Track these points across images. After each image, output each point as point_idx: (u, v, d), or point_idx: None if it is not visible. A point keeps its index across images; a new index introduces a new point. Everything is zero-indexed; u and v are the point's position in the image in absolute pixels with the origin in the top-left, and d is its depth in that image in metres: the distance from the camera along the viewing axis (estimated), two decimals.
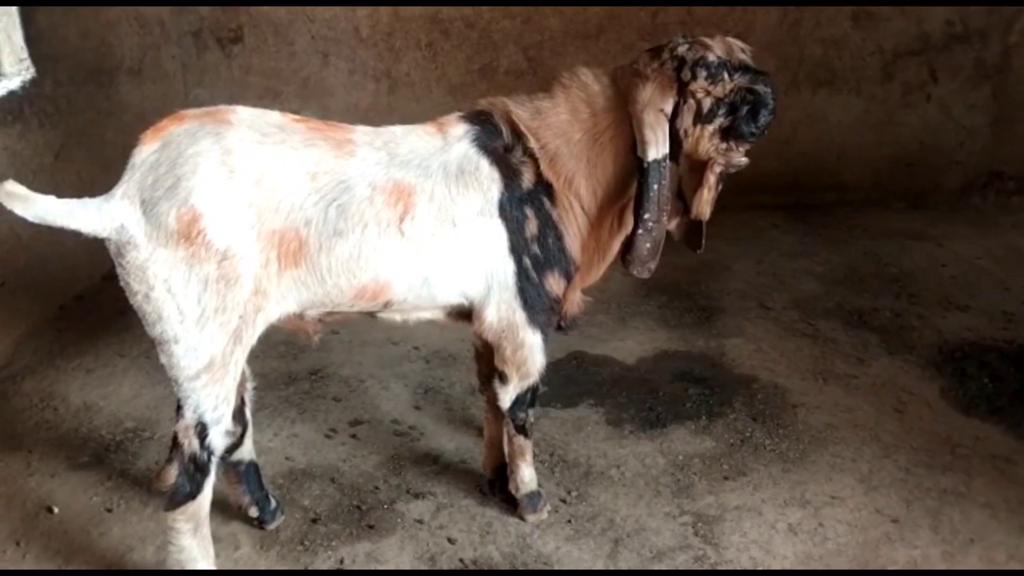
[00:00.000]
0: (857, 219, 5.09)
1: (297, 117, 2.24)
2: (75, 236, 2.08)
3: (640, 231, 2.35)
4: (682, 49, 2.32)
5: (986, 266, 4.48)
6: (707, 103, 2.32)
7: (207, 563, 2.30)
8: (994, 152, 5.29)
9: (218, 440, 2.21)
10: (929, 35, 5.12)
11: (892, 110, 5.27)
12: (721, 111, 2.33)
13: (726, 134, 2.36)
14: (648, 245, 2.37)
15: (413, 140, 2.31)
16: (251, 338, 2.18)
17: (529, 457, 2.69)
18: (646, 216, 2.33)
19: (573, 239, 2.43)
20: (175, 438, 2.22)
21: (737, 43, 2.37)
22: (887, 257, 4.59)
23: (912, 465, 2.97)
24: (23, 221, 2.04)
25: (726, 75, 2.30)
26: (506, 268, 2.35)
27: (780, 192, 5.21)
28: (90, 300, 3.95)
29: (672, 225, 2.54)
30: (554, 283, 2.41)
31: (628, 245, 2.41)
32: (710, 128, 2.35)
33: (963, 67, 5.19)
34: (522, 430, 2.62)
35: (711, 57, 2.30)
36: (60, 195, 2.09)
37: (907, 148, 5.34)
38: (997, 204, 5.22)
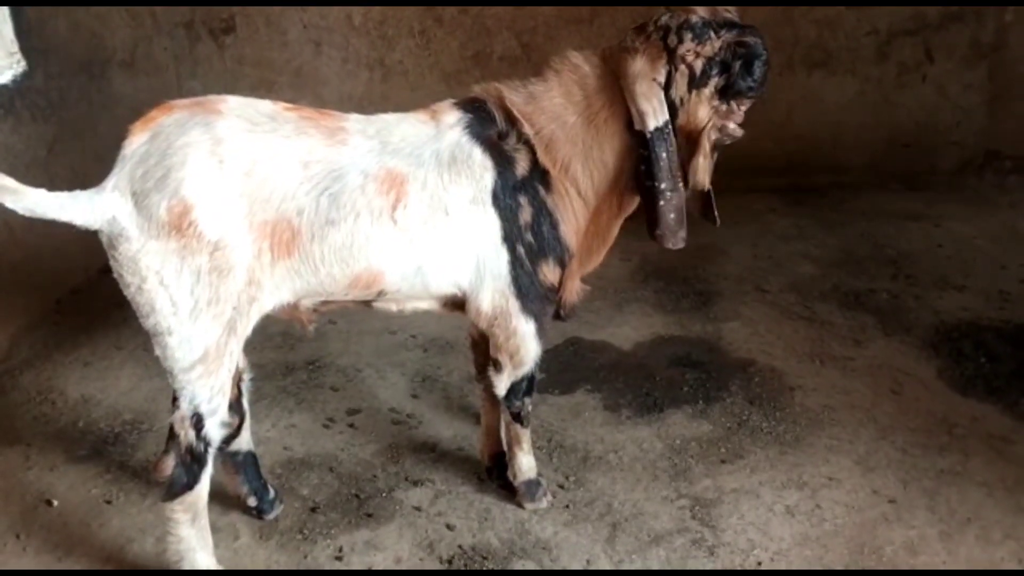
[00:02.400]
0: (853, 201, 5.09)
1: (289, 106, 2.23)
2: (70, 230, 2.08)
3: (661, 202, 2.32)
4: (665, 18, 2.31)
5: (983, 246, 4.48)
6: (699, 65, 2.29)
7: (206, 553, 2.31)
8: (990, 132, 5.28)
9: (214, 431, 2.21)
10: (924, 15, 5.10)
11: (888, 91, 5.26)
12: (714, 71, 2.30)
13: (724, 93, 2.33)
14: (673, 215, 2.35)
15: (406, 128, 2.30)
16: (245, 329, 2.18)
17: (527, 446, 2.69)
18: (662, 186, 2.31)
19: (569, 226, 2.42)
20: (171, 429, 2.22)
21: (722, 7, 2.34)
22: (884, 238, 4.59)
23: (909, 446, 2.97)
24: (18, 216, 2.04)
25: (712, 33, 2.28)
26: (499, 257, 2.34)
27: (776, 175, 5.21)
28: (87, 293, 3.95)
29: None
30: (548, 271, 2.40)
31: (654, 220, 2.37)
32: (706, 91, 2.33)
33: (959, 47, 5.17)
34: (518, 418, 2.61)
35: (694, 19, 2.28)
36: (54, 189, 2.08)
37: (903, 129, 5.33)
38: (994, 184, 5.21)
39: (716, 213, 2.55)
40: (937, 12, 5.08)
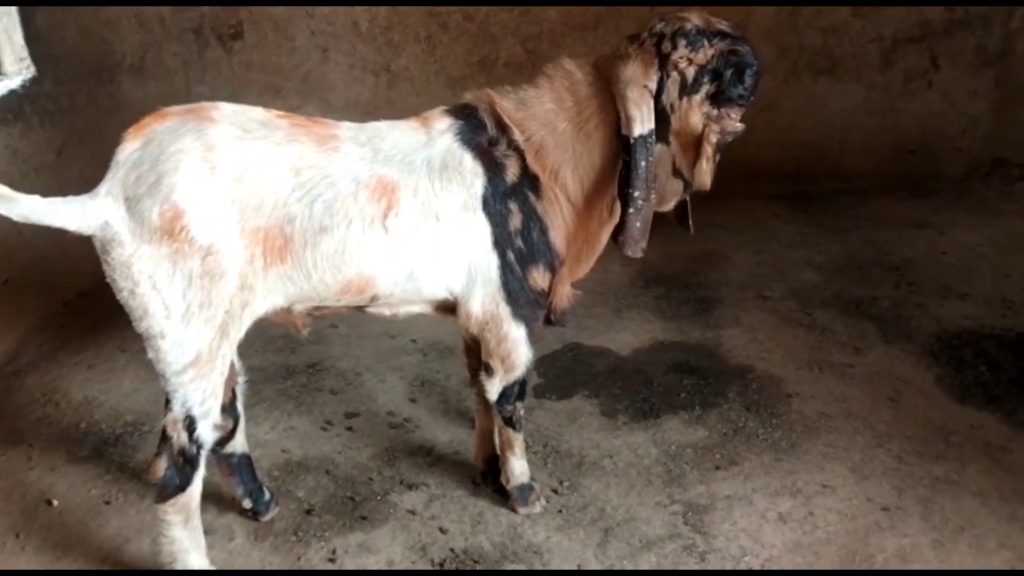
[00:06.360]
0: (858, 207, 5.07)
1: (281, 113, 2.25)
2: (78, 234, 2.11)
3: (631, 210, 2.34)
4: (660, 26, 2.34)
5: (987, 253, 4.46)
6: (691, 72, 2.32)
7: (198, 554, 2.34)
8: (997, 139, 5.25)
9: (206, 433, 2.24)
10: (930, 21, 5.08)
11: (893, 97, 5.25)
12: (706, 78, 2.33)
13: (715, 100, 2.35)
14: (639, 224, 2.36)
15: (397, 135, 2.32)
16: (238, 333, 2.20)
17: (519, 450, 2.70)
18: (636, 194, 2.32)
19: (558, 232, 2.44)
20: (164, 431, 2.25)
21: (715, 18, 2.37)
22: (887, 245, 4.58)
23: (905, 454, 2.97)
24: None
25: (706, 41, 2.31)
26: (489, 262, 2.36)
27: (781, 181, 5.21)
28: (93, 297, 3.99)
29: (671, 204, 2.56)
30: (538, 277, 2.42)
31: (620, 225, 2.40)
32: (697, 98, 2.35)
33: (964, 53, 5.15)
34: (510, 423, 2.63)
35: (688, 26, 2.31)
36: (62, 193, 2.12)
37: (909, 135, 5.31)
38: (1000, 191, 5.18)
39: (691, 222, 2.59)
40: (943, 19, 5.06)
